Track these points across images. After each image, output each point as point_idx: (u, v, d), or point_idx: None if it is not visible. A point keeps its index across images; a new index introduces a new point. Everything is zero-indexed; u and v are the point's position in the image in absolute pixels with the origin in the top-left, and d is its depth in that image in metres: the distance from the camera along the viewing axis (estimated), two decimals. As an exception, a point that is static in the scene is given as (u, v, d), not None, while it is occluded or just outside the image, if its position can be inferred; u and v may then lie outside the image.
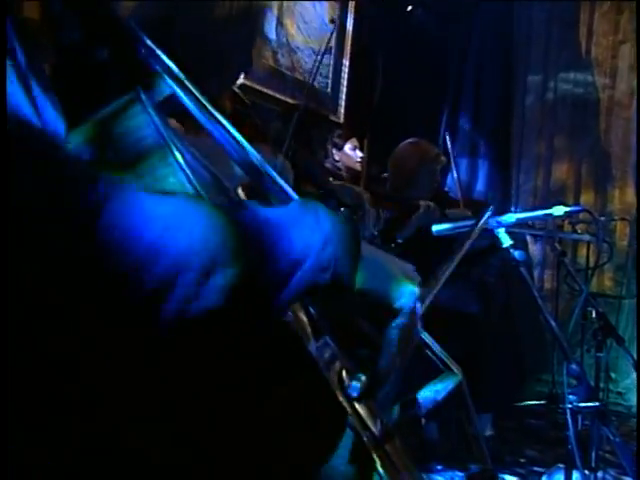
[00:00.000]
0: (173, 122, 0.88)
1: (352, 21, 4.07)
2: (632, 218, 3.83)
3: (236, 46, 0.97)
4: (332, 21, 3.69)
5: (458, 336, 2.63)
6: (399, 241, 2.68)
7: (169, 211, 0.49)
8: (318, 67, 3.31)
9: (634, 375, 2.90)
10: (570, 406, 2.13)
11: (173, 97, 0.73)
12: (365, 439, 0.61)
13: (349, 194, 2.63)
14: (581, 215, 2.68)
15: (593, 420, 2.29)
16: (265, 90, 3.59)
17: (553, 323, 2.13)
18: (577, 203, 4.05)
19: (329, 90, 4.02)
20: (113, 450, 0.52)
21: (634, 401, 3.25)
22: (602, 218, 3.07)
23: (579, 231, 2.95)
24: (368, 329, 0.69)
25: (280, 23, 3.67)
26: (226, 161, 0.77)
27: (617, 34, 4.29)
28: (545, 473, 2.51)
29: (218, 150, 0.75)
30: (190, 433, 0.54)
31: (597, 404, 2.09)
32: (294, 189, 0.74)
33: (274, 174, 0.75)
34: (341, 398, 0.63)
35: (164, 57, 0.72)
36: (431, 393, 0.84)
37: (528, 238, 3.26)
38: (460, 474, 2.47)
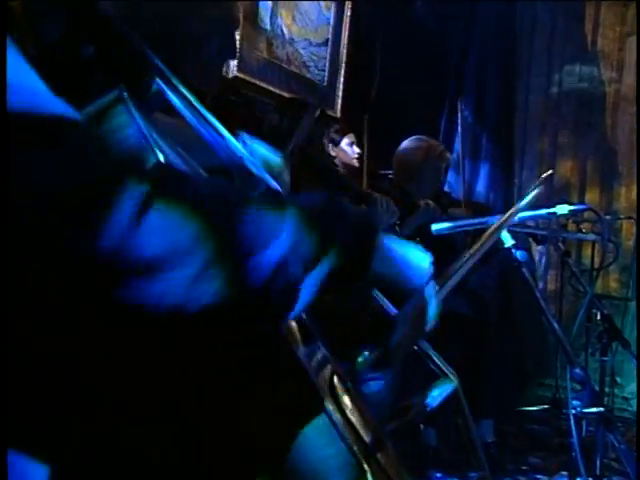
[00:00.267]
0: (165, 117, 0.87)
1: (349, 12, 4.07)
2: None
3: (211, 29, 0.96)
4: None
5: (457, 339, 2.64)
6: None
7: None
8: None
9: (640, 379, 2.91)
10: (574, 412, 2.14)
11: (160, 94, 0.73)
12: (355, 448, 0.61)
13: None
14: (586, 214, 2.69)
15: (598, 426, 2.30)
16: (259, 83, 3.58)
17: (556, 326, 2.13)
18: (582, 201, 4.06)
19: (325, 83, 4.02)
20: (111, 449, 0.54)
21: (640, 406, 3.26)
22: (607, 217, 3.08)
23: (584, 230, 2.96)
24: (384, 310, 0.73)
25: (275, 13, 3.66)
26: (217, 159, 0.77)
27: (624, 26, 4.29)
28: (548, 481, 2.53)
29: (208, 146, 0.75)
30: (184, 431, 0.56)
31: (602, 410, 2.10)
32: (293, 188, 0.75)
33: (265, 175, 0.75)
34: (331, 406, 0.63)
35: (150, 54, 0.73)
36: (426, 400, 0.85)
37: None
38: (459, 482, 2.48)
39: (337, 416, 0.64)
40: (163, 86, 0.73)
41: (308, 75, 3.86)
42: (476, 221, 2.19)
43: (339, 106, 4.07)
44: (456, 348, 2.52)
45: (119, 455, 0.54)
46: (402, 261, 0.69)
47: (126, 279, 0.47)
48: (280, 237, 0.54)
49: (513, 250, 2.12)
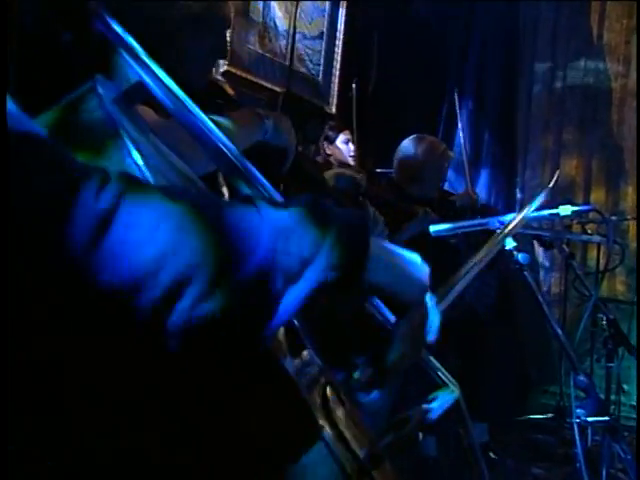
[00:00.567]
0: (146, 110, 0.87)
1: (345, 4, 4.07)
2: (646, 217, 3.83)
3: (196, 26, 0.96)
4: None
5: (456, 343, 2.65)
6: None
7: (175, 223, 0.50)
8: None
9: (648, 387, 2.92)
10: (578, 421, 2.14)
11: (141, 85, 0.72)
12: (348, 467, 0.61)
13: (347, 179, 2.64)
14: (591, 214, 2.69)
15: (603, 436, 2.30)
16: (250, 77, 3.58)
17: (559, 331, 2.14)
18: (587, 201, 4.06)
19: (320, 78, 4.02)
20: (111, 449, 0.55)
21: (648, 415, 3.27)
22: (613, 217, 3.09)
23: (589, 231, 2.96)
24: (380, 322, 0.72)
25: (268, 5, 3.66)
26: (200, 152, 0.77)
27: (631, 18, 4.29)
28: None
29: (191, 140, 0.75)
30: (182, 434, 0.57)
31: (607, 418, 2.10)
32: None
33: (253, 169, 0.75)
34: (322, 421, 0.63)
35: (132, 42, 0.72)
36: (426, 411, 0.84)
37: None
38: (459, 493, 2.48)
39: (329, 432, 0.64)
40: (144, 76, 0.72)
41: (302, 69, 3.87)
42: (476, 222, 2.19)
43: (334, 102, 4.07)
44: (453, 353, 2.52)
45: (119, 456, 0.55)
46: (398, 270, 0.67)
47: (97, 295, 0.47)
48: (256, 247, 0.52)
49: (515, 252, 2.12)
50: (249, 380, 0.60)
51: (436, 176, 3.08)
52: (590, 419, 2.17)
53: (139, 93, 0.73)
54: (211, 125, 0.74)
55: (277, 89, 3.61)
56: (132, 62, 0.72)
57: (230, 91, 2.51)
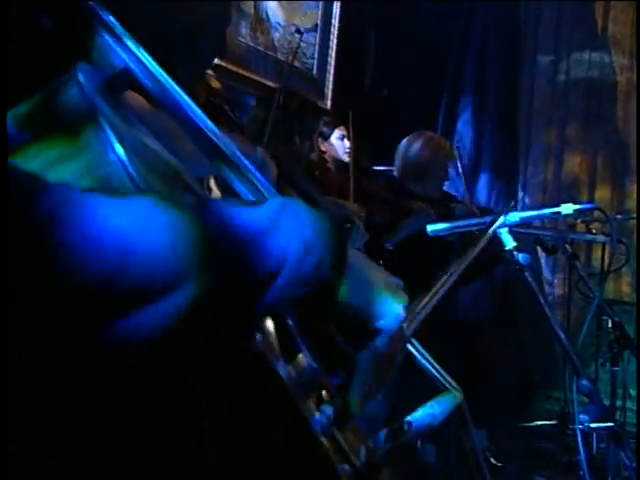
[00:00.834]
0: (136, 97, 0.87)
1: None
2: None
3: (207, 26, 0.98)
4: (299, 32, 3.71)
5: (455, 347, 2.66)
6: (389, 247, 2.70)
7: (130, 221, 0.49)
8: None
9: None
10: (581, 427, 2.14)
11: (126, 71, 0.72)
12: (344, 474, 0.61)
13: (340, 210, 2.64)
14: (596, 213, 2.70)
15: (608, 443, 2.31)
16: (242, 72, 3.58)
17: (561, 334, 2.14)
18: (591, 199, 4.07)
19: (315, 72, 4.02)
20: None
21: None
22: (618, 216, 3.09)
23: (594, 231, 2.97)
24: (344, 346, 0.69)
25: (259, -3, 3.67)
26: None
27: (638, 9, 4.30)
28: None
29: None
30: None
31: (611, 425, 2.11)
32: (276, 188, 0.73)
33: (246, 162, 0.74)
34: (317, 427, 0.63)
35: (118, 27, 0.72)
36: (427, 417, 0.84)
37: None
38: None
39: (323, 439, 0.64)
40: (129, 62, 0.72)
41: (296, 63, 3.87)
42: (475, 222, 2.19)
43: (329, 97, 4.08)
44: (453, 355, 2.53)
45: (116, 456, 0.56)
46: (372, 291, 0.63)
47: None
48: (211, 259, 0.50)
49: (515, 253, 2.13)
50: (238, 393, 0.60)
51: (439, 175, 3.09)
52: (593, 425, 2.18)
53: (124, 80, 0.72)
54: (199, 112, 0.74)
55: (270, 84, 3.61)
56: (117, 47, 0.72)
57: (217, 84, 2.52)
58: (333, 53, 4.06)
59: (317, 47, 4.00)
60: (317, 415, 0.61)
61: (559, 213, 2.22)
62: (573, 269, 3.12)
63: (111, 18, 0.72)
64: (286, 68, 3.61)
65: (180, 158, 0.76)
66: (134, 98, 0.84)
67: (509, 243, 2.14)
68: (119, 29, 0.72)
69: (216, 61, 3.50)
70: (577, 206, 2.19)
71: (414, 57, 4.18)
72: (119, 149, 0.59)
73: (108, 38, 0.72)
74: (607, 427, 2.10)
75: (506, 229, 2.17)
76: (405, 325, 0.68)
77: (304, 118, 3.53)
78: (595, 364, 3.17)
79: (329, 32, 4.04)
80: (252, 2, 3.64)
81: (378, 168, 3.54)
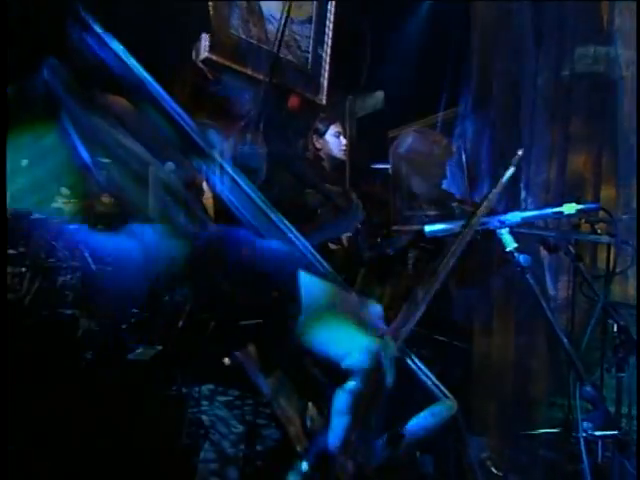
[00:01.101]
0: (118, 100, 0.88)
1: (336, -15, 4.07)
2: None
3: (190, 10, 0.99)
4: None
5: (454, 352, 2.67)
6: (390, 253, 2.71)
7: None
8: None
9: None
10: (584, 435, 2.16)
11: (103, 65, 0.73)
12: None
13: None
14: (601, 213, 2.72)
15: (613, 451, 2.32)
16: (233, 65, 3.59)
17: (564, 338, 2.16)
18: (597, 199, 4.08)
19: (309, 66, 4.02)
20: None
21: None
22: (624, 216, 3.11)
23: (599, 231, 2.98)
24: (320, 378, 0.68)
25: (251, -13, 3.67)
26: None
27: (638, 9, 4.31)
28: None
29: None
30: None
31: (615, 433, 2.12)
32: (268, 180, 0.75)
33: (218, 155, 0.75)
34: (305, 442, 0.63)
35: (94, 24, 0.73)
36: (421, 428, 0.84)
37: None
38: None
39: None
40: (110, 57, 0.73)
41: (290, 57, 3.87)
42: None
43: (325, 92, 4.08)
44: (452, 361, 2.54)
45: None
46: (335, 330, 0.63)
47: None
48: None
49: (516, 254, 2.14)
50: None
51: (436, 172, 3.10)
52: (597, 433, 2.19)
53: (97, 75, 0.73)
54: (176, 106, 0.74)
55: (261, 77, 3.61)
56: (91, 42, 0.72)
57: (209, 76, 2.53)
58: (328, 48, 4.06)
59: (312, 39, 4.00)
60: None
61: (562, 213, 2.23)
62: (577, 271, 3.13)
63: (85, 12, 0.72)
64: (278, 61, 3.61)
65: (159, 156, 0.77)
66: (116, 100, 0.85)
67: (510, 244, 2.15)
68: (93, 22, 0.72)
69: (206, 54, 3.51)
70: (580, 206, 2.21)
71: (413, 49, 4.20)
72: (84, 154, 0.59)
73: (81, 32, 0.72)
74: (612, 435, 2.12)
75: (507, 229, 2.18)
76: (398, 332, 0.68)
77: (298, 115, 3.54)
78: (600, 370, 3.18)
79: (324, 25, 4.04)
80: (244, -7, 3.65)
81: (376, 166, 3.55)
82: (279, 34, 3.52)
